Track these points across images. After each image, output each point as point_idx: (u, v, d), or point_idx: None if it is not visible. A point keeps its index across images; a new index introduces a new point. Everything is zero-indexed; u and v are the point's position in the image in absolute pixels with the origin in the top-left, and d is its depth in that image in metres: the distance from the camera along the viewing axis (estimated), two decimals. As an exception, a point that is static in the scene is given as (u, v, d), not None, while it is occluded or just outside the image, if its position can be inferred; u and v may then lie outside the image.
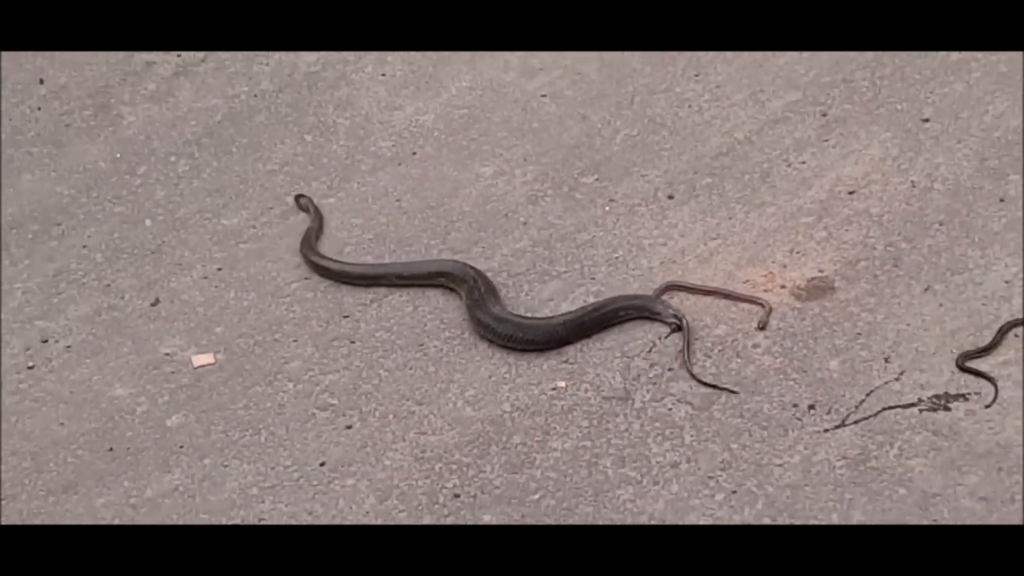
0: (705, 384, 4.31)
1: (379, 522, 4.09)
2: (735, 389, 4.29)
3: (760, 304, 4.53)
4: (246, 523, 4.09)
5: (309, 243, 4.88)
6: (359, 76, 5.59)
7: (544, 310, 4.62)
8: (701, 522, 3.99)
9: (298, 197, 5.07)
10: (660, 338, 4.50)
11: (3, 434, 4.45)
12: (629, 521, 4.03)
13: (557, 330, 4.50)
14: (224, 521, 4.14)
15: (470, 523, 4.02)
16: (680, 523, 3.95)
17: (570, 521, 4.04)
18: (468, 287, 4.62)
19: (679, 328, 4.46)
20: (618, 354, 4.48)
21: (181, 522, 4.15)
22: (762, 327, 4.46)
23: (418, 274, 4.76)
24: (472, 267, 4.69)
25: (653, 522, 4.01)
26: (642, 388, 4.37)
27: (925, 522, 3.92)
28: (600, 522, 4.02)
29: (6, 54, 5.70)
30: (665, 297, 4.58)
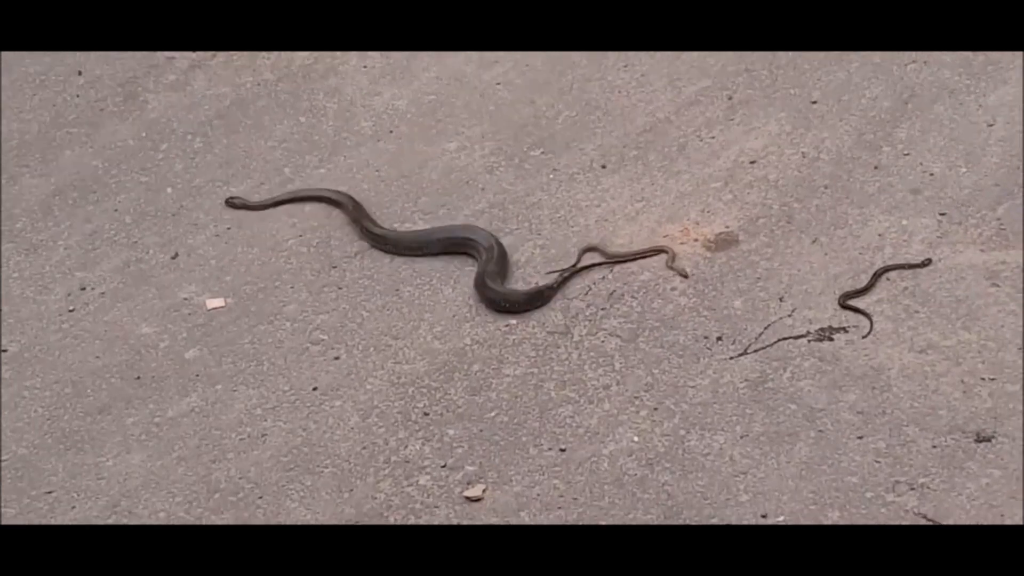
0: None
1: (361, 437, 4.08)
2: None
3: (664, 251, 4.52)
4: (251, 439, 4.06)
5: (364, 218, 4.77)
6: (345, 68, 5.54)
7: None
8: (628, 435, 3.99)
9: (229, 199, 4.97)
10: (594, 283, 4.48)
11: (49, 366, 4.41)
12: (569, 435, 4.02)
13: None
14: (233, 437, 4.12)
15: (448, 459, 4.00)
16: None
17: (520, 435, 4.03)
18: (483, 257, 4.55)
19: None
20: (559, 296, 4.46)
21: (196, 439, 4.13)
22: (683, 274, 4.44)
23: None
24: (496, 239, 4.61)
25: (588, 435, 4.00)
26: (580, 324, 4.35)
27: (812, 432, 3.93)
28: (544, 436, 4.02)
29: (50, 51, 5.64)
30: (585, 257, 4.55)
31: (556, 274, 4.48)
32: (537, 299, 4.41)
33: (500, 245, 4.56)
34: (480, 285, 4.44)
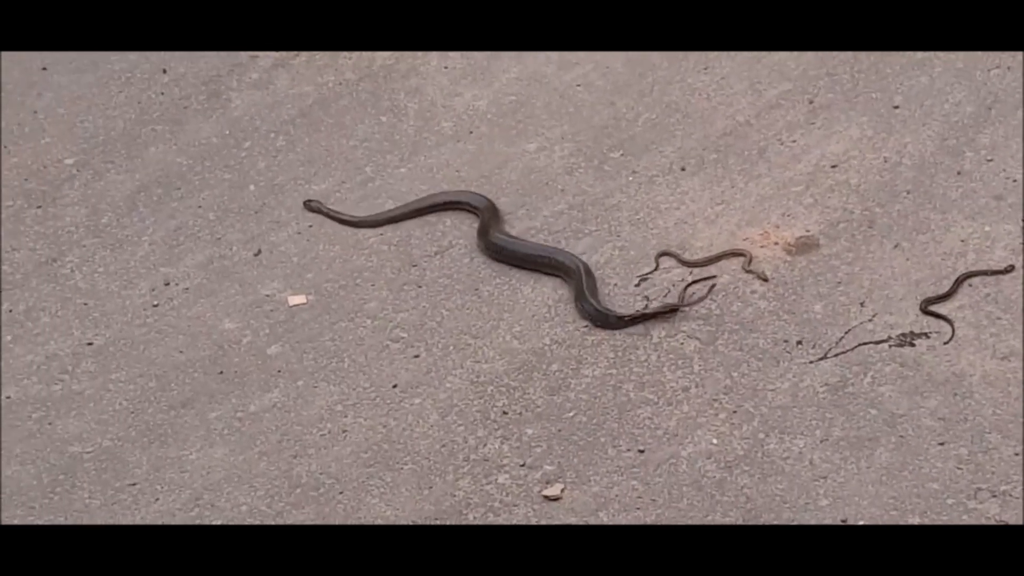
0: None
1: (440, 434, 4.09)
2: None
3: (742, 254, 4.51)
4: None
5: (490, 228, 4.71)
6: (426, 68, 5.56)
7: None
8: (707, 437, 3.98)
9: (307, 202, 4.98)
10: (673, 285, 4.48)
11: (133, 360, 4.46)
12: (647, 436, 4.02)
13: None
14: (314, 432, 4.15)
15: (515, 442, 4.01)
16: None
17: (598, 435, 4.03)
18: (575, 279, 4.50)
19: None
20: (639, 298, 4.46)
21: (278, 434, 4.16)
22: (763, 277, 4.43)
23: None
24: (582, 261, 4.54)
25: (667, 437, 4.00)
26: (658, 326, 4.35)
27: (893, 438, 3.91)
28: (623, 436, 4.02)
29: (136, 51, 5.71)
30: (660, 263, 4.54)
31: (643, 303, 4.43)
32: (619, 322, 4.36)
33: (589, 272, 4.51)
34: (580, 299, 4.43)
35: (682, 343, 4.29)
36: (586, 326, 4.37)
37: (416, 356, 4.37)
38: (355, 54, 5.66)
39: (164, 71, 5.68)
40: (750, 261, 4.48)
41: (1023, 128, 4.89)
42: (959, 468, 3.81)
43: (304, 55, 5.68)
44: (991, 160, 4.78)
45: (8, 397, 4.36)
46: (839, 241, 4.55)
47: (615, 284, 4.50)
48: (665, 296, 4.43)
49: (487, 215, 4.76)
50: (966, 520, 3.67)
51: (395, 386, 4.28)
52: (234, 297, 4.67)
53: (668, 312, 4.34)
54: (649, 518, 3.79)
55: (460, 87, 5.47)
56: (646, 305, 4.39)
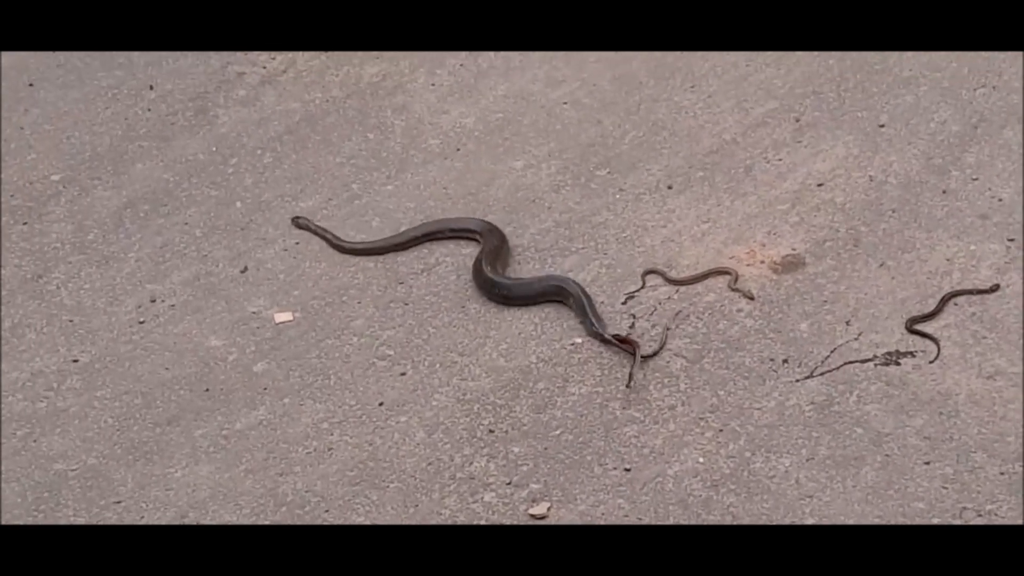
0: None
1: (427, 452, 4.09)
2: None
3: (727, 272, 4.52)
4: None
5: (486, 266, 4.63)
6: (413, 85, 5.57)
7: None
8: (693, 456, 3.98)
9: (295, 219, 4.98)
10: (659, 303, 4.48)
11: (119, 377, 4.45)
12: (634, 454, 4.02)
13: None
14: (300, 450, 4.14)
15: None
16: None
17: (584, 453, 4.03)
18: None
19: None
20: (626, 316, 4.46)
21: (264, 452, 4.15)
22: (748, 296, 4.43)
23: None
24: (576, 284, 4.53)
25: (653, 455, 4.00)
26: (645, 345, 4.35)
27: (878, 457, 3.91)
28: (609, 455, 4.01)
29: (121, 63, 5.71)
30: (647, 281, 4.54)
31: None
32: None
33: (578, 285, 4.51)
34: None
35: (668, 361, 4.28)
36: (572, 344, 4.37)
37: (402, 374, 4.36)
38: (342, 69, 5.66)
39: (151, 87, 5.67)
40: (736, 279, 4.48)
41: (1009, 147, 4.90)
42: (944, 487, 3.81)
43: (291, 72, 5.68)
44: (976, 179, 4.79)
45: (-7, 414, 4.35)
46: (825, 260, 4.56)
47: (602, 302, 4.50)
48: (652, 313, 4.44)
49: (488, 247, 4.68)
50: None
51: (381, 404, 4.27)
52: (220, 314, 4.66)
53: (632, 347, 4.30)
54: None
55: (447, 104, 5.47)
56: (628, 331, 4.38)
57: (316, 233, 4.90)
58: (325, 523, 3.91)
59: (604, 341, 4.32)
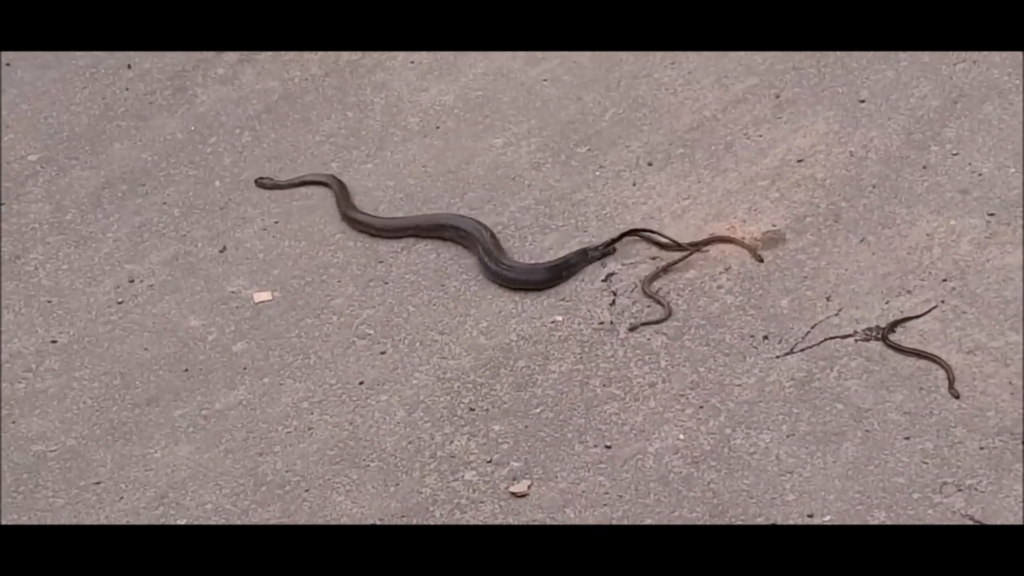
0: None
1: (407, 431, 4.08)
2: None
3: (732, 240, 4.51)
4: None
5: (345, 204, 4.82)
6: (392, 63, 5.54)
7: (546, 256, 4.58)
8: (674, 433, 3.98)
9: (258, 180, 5.01)
10: (640, 280, 4.47)
11: (97, 357, 4.43)
12: (614, 432, 4.01)
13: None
14: (280, 430, 4.13)
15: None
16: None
17: (565, 431, 4.02)
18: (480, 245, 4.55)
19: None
20: (606, 293, 4.45)
21: (244, 432, 4.14)
22: (758, 258, 4.43)
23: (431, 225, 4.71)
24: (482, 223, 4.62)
25: (634, 432, 3.99)
26: (625, 321, 4.34)
27: (859, 432, 3.91)
28: (590, 432, 4.01)
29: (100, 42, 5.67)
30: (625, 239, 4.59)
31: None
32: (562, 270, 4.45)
33: (489, 228, 4.59)
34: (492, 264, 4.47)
35: (649, 338, 4.28)
36: (553, 322, 4.36)
37: (382, 353, 4.35)
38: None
39: (129, 67, 5.64)
40: (744, 239, 4.48)
41: (989, 122, 4.89)
42: (925, 462, 3.81)
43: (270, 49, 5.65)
44: (956, 154, 4.78)
45: (-29, 396, 4.33)
46: (805, 235, 4.55)
47: (582, 280, 4.49)
48: (632, 291, 4.43)
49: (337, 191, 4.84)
50: (932, 515, 3.67)
51: (361, 383, 4.26)
52: (199, 294, 4.64)
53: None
54: (616, 514, 3.79)
55: (426, 82, 5.45)
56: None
57: (280, 186, 4.95)
58: (305, 503, 3.90)
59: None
